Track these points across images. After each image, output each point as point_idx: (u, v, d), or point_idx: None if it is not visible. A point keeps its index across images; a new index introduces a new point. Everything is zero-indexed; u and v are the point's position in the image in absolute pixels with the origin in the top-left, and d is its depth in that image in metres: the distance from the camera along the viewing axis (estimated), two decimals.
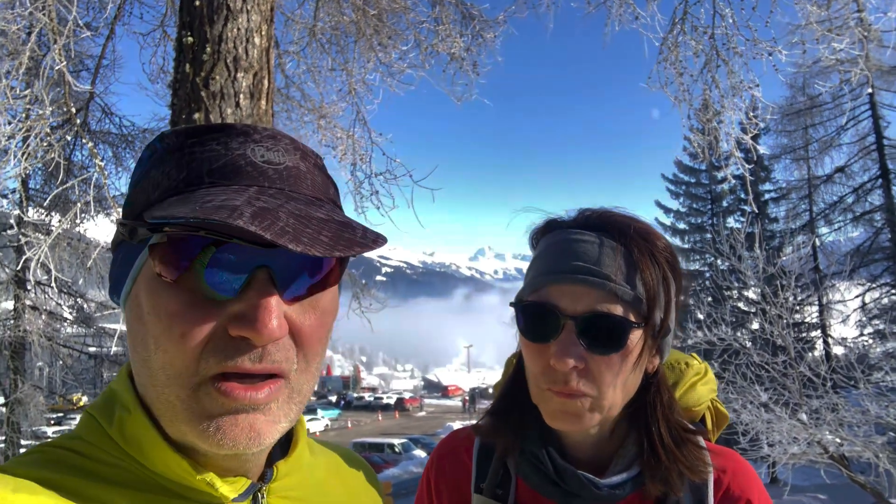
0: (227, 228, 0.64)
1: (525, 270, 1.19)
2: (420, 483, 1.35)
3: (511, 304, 1.16)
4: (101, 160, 4.99)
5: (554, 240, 1.12)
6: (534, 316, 1.09)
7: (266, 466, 0.82)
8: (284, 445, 0.86)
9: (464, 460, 1.27)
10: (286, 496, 0.82)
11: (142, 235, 0.69)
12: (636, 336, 1.06)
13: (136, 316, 0.70)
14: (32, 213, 11.50)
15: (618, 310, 1.03)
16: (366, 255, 0.73)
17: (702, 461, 1.11)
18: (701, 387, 1.27)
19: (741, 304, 21.56)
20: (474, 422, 1.30)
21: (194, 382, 0.66)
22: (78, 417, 0.79)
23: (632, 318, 1.04)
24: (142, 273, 0.70)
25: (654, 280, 1.06)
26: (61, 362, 14.53)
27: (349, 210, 6.95)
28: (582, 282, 1.04)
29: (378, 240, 0.69)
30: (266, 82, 3.46)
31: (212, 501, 0.72)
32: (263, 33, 3.47)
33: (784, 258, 12.37)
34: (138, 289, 0.70)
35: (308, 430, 0.89)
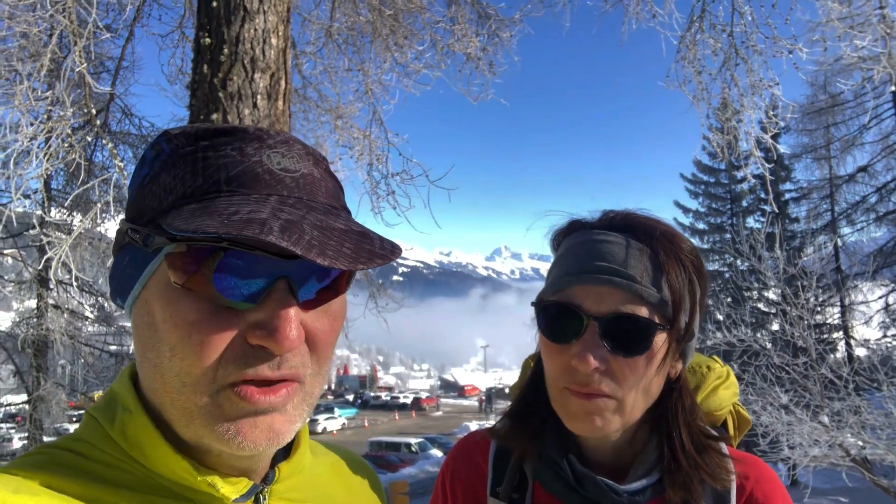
0: (255, 242, 0.64)
1: (542, 270, 1.17)
2: (435, 485, 1.34)
3: (532, 304, 1.14)
4: (122, 161, 5.04)
5: (578, 240, 1.11)
6: (556, 316, 1.07)
7: (268, 468, 0.82)
8: (286, 447, 0.86)
9: (479, 464, 1.25)
10: (288, 498, 0.82)
11: (158, 244, 0.68)
12: (661, 339, 1.04)
13: (147, 322, 0.69)
14: (54, 213, 11.67)
15: (643, 312, 1.02)
16: None
17: (724, 469, 1.08)
18: (723, 391, 1.25)
19: (761, 305, 21.36)
20: (491, 422, 1.29)
21: (213, 389, 0.66)
22: None
23: (657, 321, 1.03)
24: (153, 279, 0.69)
25: (680, 283, 1.04)
26: (83, 360, 14.69)
27: (366, 210, 6.98)
28: (607, 282, 1.02)
29: (395, 250, 0.69)
30: (283, 83, 3.47)
31: (213, 503, 0.72)
32: (280, 34, 3.48)
33: (805, 258, 12.19)
34: (149, 294, 0.70)
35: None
